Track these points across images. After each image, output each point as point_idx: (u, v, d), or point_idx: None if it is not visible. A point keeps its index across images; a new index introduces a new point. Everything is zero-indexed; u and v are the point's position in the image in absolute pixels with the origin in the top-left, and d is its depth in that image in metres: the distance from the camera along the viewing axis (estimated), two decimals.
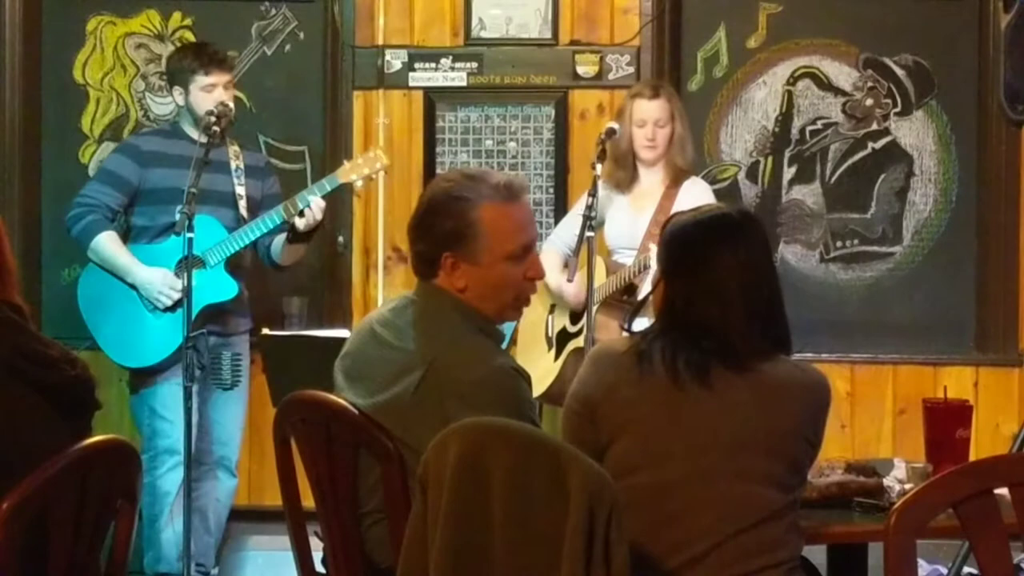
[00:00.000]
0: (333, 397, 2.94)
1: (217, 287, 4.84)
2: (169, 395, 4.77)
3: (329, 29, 5.69)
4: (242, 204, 4.93)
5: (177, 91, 4.98)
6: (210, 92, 4.87)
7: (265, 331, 4.47)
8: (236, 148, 5.01)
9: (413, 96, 5.66)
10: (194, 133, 4.88)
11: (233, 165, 4.96)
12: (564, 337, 5.01)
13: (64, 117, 5.77)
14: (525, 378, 2.87)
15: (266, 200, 5.00)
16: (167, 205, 4.81)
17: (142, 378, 4.92)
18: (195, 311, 4.63)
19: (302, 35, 5.76)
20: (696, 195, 4.85)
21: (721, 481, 2.67)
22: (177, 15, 5.77)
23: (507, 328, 3.67)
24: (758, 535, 2.67)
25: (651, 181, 4.97)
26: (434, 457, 2.52)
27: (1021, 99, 5.48)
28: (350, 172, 4.92)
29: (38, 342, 2.62)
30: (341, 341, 3.10)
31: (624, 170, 4.96)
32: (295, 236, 4.86)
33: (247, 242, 4.86)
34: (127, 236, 4.97)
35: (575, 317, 4.98)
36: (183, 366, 4.45)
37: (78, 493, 2.47)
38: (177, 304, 4.76)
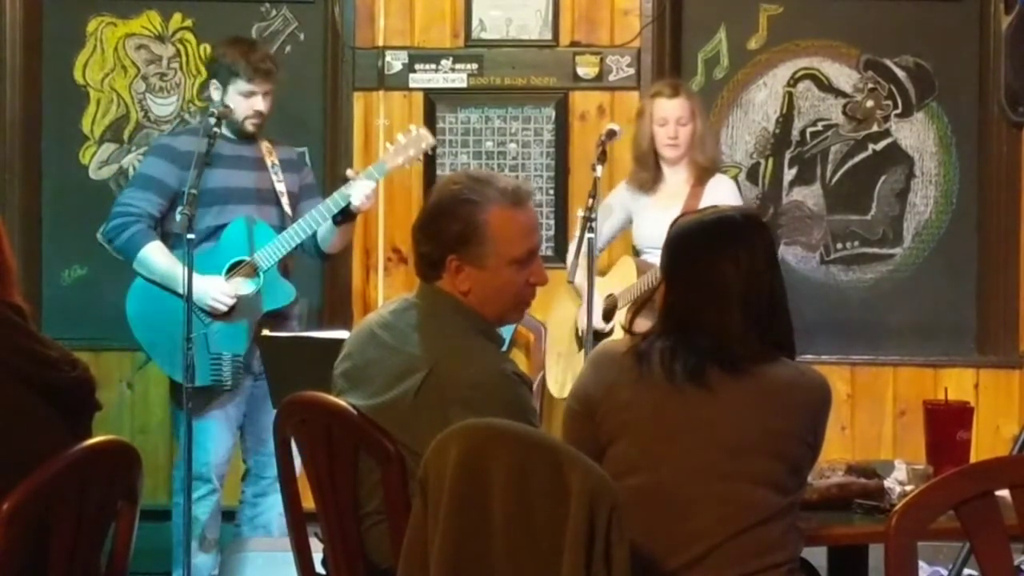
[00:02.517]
0: (333, 398, 2.94)
1: (274, 293, 4.67)
2: (214, 421, 4.60)
3: (329, 30, 5.68)
4: (284, 201, 4.75)
5: (214, 85, 4.76)
6: (248, 98, 4.68)
7: (265, 332, 4.46)
8: (267, 144, 4.81)
9: (413, 97, 5.66)
10: (226, 131, 4.68)
11: (268, 162, 4.77)
12: (595, 337, 4.97)
13: (64, 118, 5.76)
14: (526, 383, 2.88)
15: (303, 192, 4.85)
16: (207, 208, 4.59)
17: (195, 398, 4.56)
18: (254, 320, 4.59)
19: (302, 36, 5.76)
20: (723, 193, 4.85)
21: (719, 482, 2.67)
22: (177, 16, 5.77)
23: (506, 331, 3.68)
24: (757, 536, 2.66)
25: (676, 180, 4.97)
26: (434, 458, 2.52)
27: (1021, 101, 5.48)
28: (395, 156, 4.75)
29: (38, 342, 2.62)
30: (341, 342, 3.10)
31: (647, 170, 4.97)
32: (344, 216, 4.68)
33: (301, 239, 4.66)
34: (165, 242, 4.69)
35: (607, 315, 4.96)
36: (183, 365, 4.40)
37: (78, 494, 2.47)
38: (232, 311, 4.61)
